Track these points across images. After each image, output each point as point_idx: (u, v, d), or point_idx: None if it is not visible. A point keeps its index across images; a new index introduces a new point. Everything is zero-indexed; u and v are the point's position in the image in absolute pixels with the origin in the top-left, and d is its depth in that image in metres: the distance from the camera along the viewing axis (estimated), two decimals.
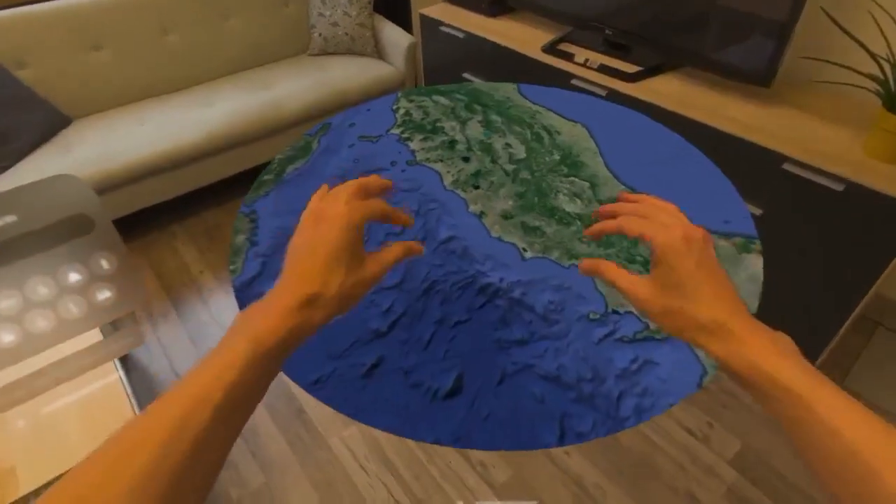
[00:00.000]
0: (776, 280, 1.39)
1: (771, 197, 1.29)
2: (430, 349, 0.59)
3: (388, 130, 0.88)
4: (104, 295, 0.70)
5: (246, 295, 0.63)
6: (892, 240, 1.15)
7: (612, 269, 0.43)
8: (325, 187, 0.45)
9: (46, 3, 1.95)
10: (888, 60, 1.11)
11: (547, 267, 0.67)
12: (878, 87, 1.14)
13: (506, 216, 0.73)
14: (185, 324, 1.73)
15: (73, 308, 0.69)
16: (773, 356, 0.35)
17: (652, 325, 0.59)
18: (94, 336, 0.87)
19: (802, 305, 1.37)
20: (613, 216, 0.45)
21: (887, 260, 1.18)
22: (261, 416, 1.47)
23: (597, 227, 0.46)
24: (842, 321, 1.32)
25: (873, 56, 1.12)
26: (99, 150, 1.85)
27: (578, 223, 0.71)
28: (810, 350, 1.42)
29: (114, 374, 0.85)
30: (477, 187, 0.78)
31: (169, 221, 2.15)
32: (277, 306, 0.37)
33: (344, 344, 0.60)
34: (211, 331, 1.70)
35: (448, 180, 0.79)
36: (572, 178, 0.80)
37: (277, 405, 1.49)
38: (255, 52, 2.39)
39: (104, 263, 0.70)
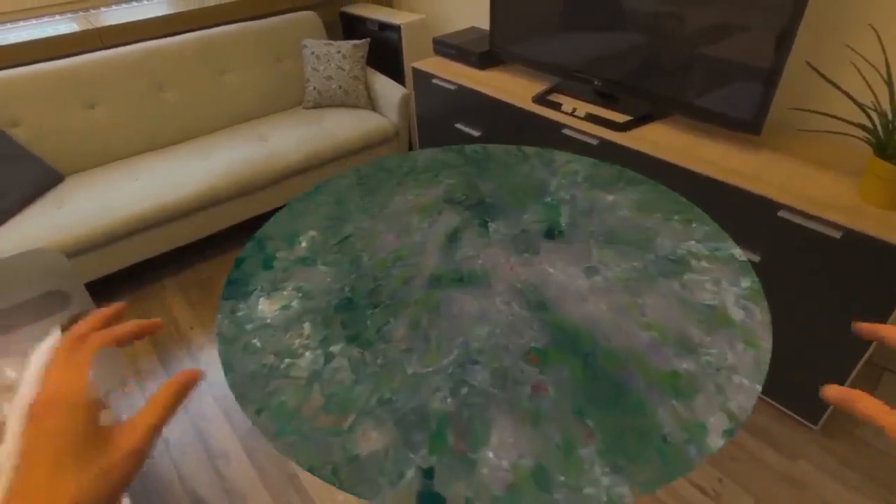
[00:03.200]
0: (781, 328, 1.36)
1: (768, 244, 1.28)
2: None
3: None
4: None
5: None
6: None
7: (864, 400, 0.36)
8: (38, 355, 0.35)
9: (41, 64, 1.98)
10: (875, 109, 1.13)
11: None
12: (868, 135, 1.15)
13: None
14: None
15: None
16: None
17: None
18: None
19: (809, 354, 1.34)
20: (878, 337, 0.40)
21: (892, 305, 1.16)
22: (251, 481, 1.39)
23: (875, 330, 0.41)
24: (850, 369, 1.29)
25: (860, 106, 1.14)
26: (91, 206, 1.84)
27: None
28: (820, 400, 1.38)
29: None
30: None
31: (160, 275, 2.12)
32: None
33: None
34: (200, 390, 1.65)
35: None
36: None
37: (268, 469, 1.42)
38: (250, 107, 2.42)
39: None
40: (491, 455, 0.52)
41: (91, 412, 0.32)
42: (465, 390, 0.58)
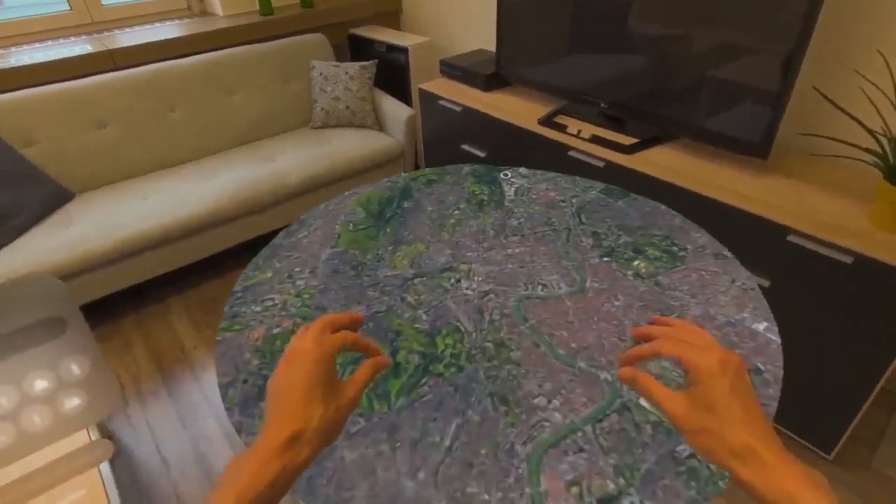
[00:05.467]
0: (792, 354, 1.33)
1: (778, 269, 1.27)
2: None
3: None
4: (73, 402, 0.65)
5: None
6: None
7: (650, 383, 0.44)
8: (303, 327, 0.48)
9: (55, 85, 2.01)
10: (884, 135, 1.11)
11: None
12: (877, 160, 1.14)
13: None
14: (176, 403, 1.66)
15: (36, 420, 0.63)
16: (808, 488, 0.36)
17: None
18: (79, 439, 0.80)
19: (822, 381, 1.31)
20: (647, 339, 0.46)
21: None
22: None
23: (633, 352, 0.47)
24: (864, 397, 1.26)
25: (870, 131, 1.13)
26: (99, 224, 1.85)
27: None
28: (833, 428, 1.34)
29: (94, 480, 0.77)
30: None
31: (165, 293, 2.12)
32: (261, 452, 0.39)
33: None
34: (202, 411, 1.63)
35: None
36: None
37: None
38: (258, 127, 2.44)
39: (75, 368, 0.66)
40: None
41: (330, 368, 0.44)
42: None
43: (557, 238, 0.87)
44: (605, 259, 0.82)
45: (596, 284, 0.77)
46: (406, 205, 0.98)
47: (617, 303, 0.74)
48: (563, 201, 0.98)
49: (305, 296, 0.77)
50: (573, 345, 0.68)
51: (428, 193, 1.02)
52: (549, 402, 0.61)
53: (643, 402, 0.61)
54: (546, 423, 0.59)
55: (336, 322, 0.48)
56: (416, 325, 0.71)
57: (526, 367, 0.65)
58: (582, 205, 0.97)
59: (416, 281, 0.79)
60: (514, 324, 0.71)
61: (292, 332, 0.71)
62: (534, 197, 1.00)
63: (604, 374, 0.65)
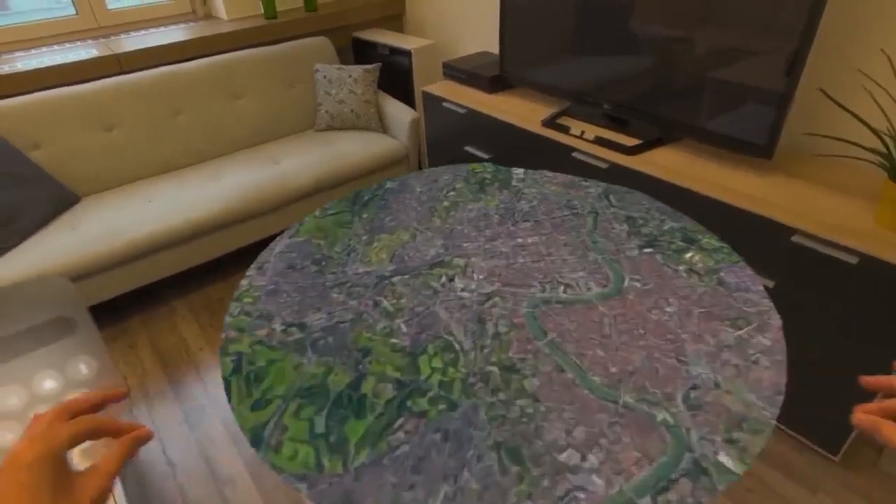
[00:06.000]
0: (798, 355, 1.33)
1: (783, 270, 1.26)
2: None
3: None
4: None
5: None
6: None
7: (894, 431, 0.40)
8: (34, 417, 0.40)
9: (61, 89, 2.03)
10: (889, 134, 1.11)
11: None
12: (882, 160, 1.13)
13: None
14: (181, 404, 1.67)
15: None
16: None
17: None
18: None
19: (828, 382, 1.30)
20: (890, 391, 0.42)
21: None
22: None
23: (876, 407, 0.42)
24: (871, 398, 1.25)
25: (875, 132, 1.13)
26: (105, 227, 1.86)
27: None
28: (841, 430, 1.34)
29: None
30: None
31: (171, 295, 2.13)
32: None
33: None
34: (207, 412, 1.64)
35: None
36: None
37: (275, 496, 1.40)
38: (263, 130, 2.45)
39: (83, 368, 0.66)
40: None
41: (58, 466, 0.37)
42: None
43: (582, 224, 0.68)
44: (647, 250, 0.63)
45: (638, 284, 0.59)
46: (390, 185, 0.78)
47: (669, 309, 0.55)
48: (584, 180, 0.78)
49: (247, 300, 0.59)
50: (613, 369, 0.49)
51: (418, 172, 0.83)
52: (584, 458, 0.42)
53: (723, 457, 0.42)
54: (580, 495, 0.40)
55: (78, 406, 0.40)
56: (393, 341, 0.53)
57: (547, 404, 0.46)
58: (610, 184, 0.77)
59: (395, 280, 0.61)
60: (529, 339, 0.53)
61: (222, 349, 0.57)
62: (549, 176, 0.80)
63: (662, 415, 0.44)
